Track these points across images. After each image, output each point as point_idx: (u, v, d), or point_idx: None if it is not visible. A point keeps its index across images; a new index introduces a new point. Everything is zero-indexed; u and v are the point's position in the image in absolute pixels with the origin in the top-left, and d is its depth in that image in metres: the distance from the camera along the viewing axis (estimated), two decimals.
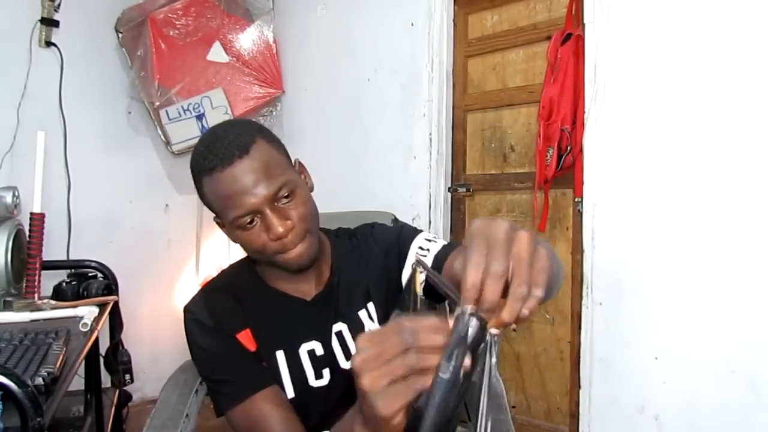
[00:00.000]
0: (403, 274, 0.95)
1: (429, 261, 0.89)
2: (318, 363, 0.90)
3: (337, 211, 1.34)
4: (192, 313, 0.90)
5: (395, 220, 1.20)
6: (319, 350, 0.91)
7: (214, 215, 0.89)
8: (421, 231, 0.99)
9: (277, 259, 0.85)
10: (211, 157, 0.80)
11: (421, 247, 0.93)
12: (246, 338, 0.89)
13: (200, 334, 0.88)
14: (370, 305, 0.95)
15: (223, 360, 0.88)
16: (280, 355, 0.90)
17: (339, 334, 0.92)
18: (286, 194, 0.82)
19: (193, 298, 0.93)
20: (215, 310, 0.89)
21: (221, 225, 0.90)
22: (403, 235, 0.97)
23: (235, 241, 0.87)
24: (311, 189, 0.91)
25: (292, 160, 0.91)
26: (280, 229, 0.81)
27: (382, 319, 0.94)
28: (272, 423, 0.83)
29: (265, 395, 0.85)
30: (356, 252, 0.98)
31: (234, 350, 0.88)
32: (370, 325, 0.94)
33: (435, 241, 0.93)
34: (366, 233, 1.01)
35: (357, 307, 0.94)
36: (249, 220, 0.81)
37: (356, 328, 0.93)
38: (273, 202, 0.82)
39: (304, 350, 0.91)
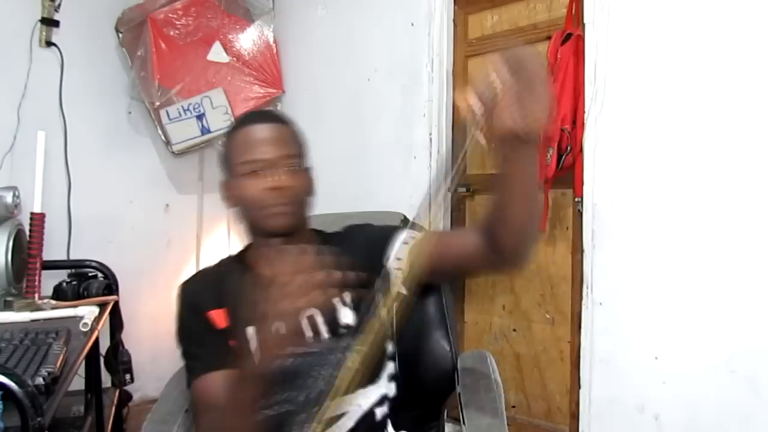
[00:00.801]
0: (388, 256, 0.99)
1: (422, 238, 0.98)
2: None
3: (340, 212, 1.34)
4: (180, 288, 1.01)
5: (405, 219, 1.20)
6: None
7: (222, 176, 1.01)
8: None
9: (262, 213, 0.94)
10: (250, 116, 1.00)
11: (409, 238, 0.99)
12: (219, 316, 0.95)
13: (181, 307, 0.99)
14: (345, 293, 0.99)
15: (192, 334, 0.96)
16: (251, 331, 0.92)
17: (311, 318, 0.97)
18: (291, 165, 0.95)
19: (187, 278, 1.05)
20: (195, 288, 1.00)
21: (224, 186, 1.00)
22: (388, 229, 1.04)
23: (231, 199, 0.98)
24: (310, 192, 1.01)
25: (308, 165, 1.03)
26: (276, 183, 0.92)
27: (356, 305, 0.98)
28: (216, 404, 0.86)
29: (219, 376, 0.88)
30: (340, 245, 1.02)
31: (203, 327, 0.94)
32: (341, 308, 0.97)
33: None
34: (352, 228, 1.09)
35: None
36: (252, 170, 0.93)
37: (328, 310, 0.98)
38: (280, 164, 0.94)
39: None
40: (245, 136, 0.96)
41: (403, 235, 0.99)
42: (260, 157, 0.93)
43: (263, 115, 1.03)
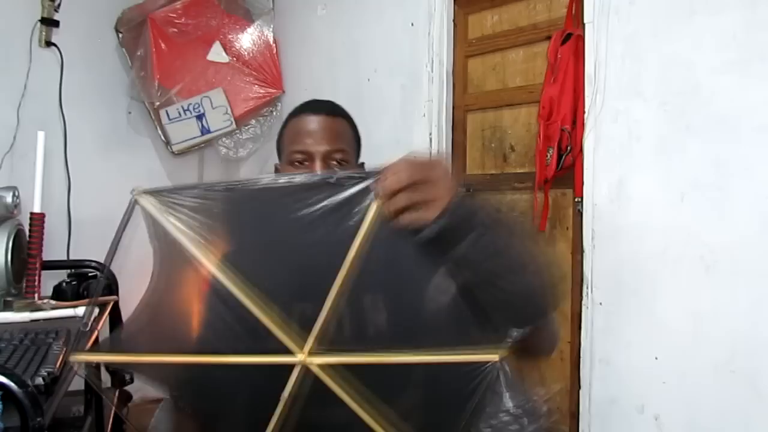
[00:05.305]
0: None
1: None
2: None
3: None
4: None
5: None
6: None
7: (277, 161, 1.03)
8: None
9: None
10: (307, 107, 0.99)
11: None
12: None
13: None
14: None
15: None
16: None
17: None
18: (339, 160, 0.95)
19: None
20: None
21: (277, 169, 1.01)
22: None
23: None
24: None
25: (360, 159, 1.05)
26: None
27: None
28: None
29: None
30: None
31: None
32: None
33: None
34: None
35: None
36: (300, 159, 0.93)
37: None
38: (327, 158, 0.94)
39: None
40: (298, 124, 0.96)
41: None
42: (309, 149, 0.93)
43: (320, 105, 1.01)
